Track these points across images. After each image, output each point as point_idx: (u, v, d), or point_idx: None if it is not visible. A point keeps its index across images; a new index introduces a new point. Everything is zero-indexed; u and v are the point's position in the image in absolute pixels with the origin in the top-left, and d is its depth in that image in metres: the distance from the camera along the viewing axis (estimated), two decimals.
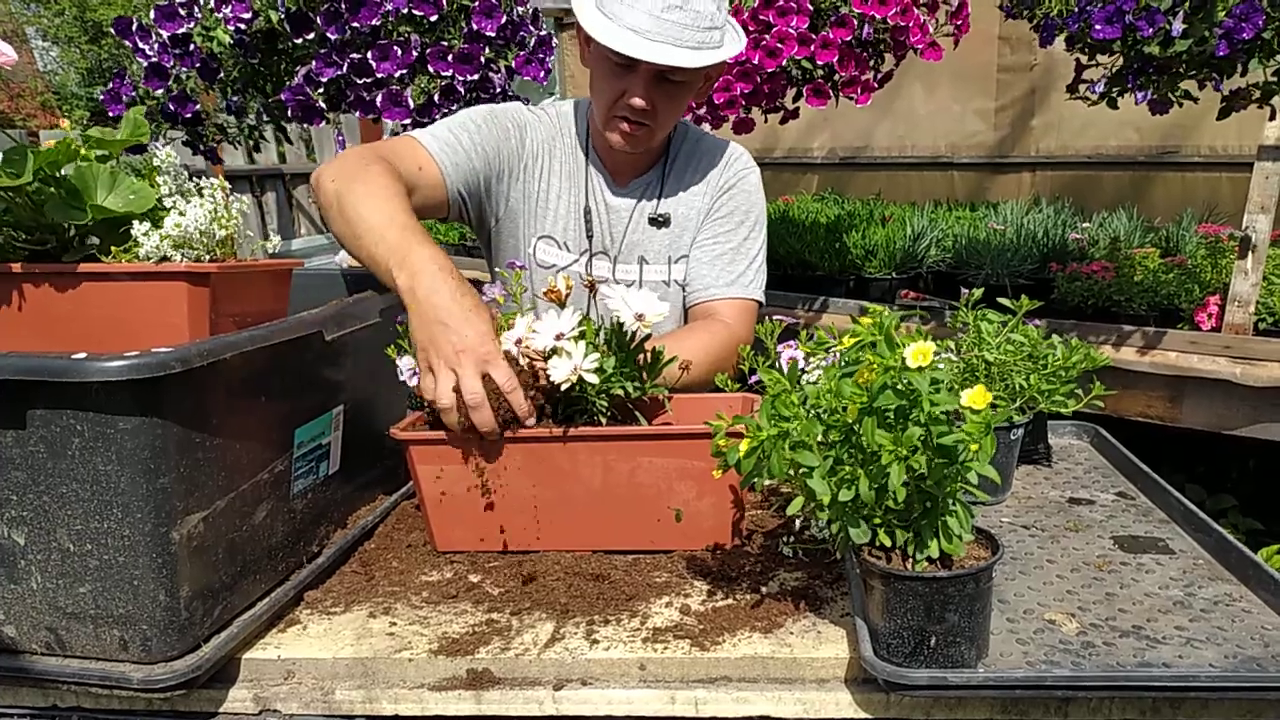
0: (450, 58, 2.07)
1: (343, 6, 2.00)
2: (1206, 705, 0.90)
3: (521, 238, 1.64)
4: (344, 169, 1.35)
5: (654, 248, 1.66)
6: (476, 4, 2.08)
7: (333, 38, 2.01)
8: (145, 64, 2.14)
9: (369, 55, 2.04)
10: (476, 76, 2.10)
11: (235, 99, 2.24)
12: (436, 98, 2.12)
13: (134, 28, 2.13)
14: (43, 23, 13.08)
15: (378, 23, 2.02)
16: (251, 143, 2.44)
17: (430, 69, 2.08)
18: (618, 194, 1.66)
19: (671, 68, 1.44)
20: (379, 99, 2.08)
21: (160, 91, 2.16)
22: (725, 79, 2.19)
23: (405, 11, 2.02)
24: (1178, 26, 1.73)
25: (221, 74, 2.17)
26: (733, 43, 1.51)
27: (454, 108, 2.15)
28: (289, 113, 2.15)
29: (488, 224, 1.65)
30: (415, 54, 2.05)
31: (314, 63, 2.06)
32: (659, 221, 1.64)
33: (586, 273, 1.64)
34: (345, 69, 2.05)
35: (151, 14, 2.11)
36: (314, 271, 1.61)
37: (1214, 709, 0.91)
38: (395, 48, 2.03)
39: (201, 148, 2.36)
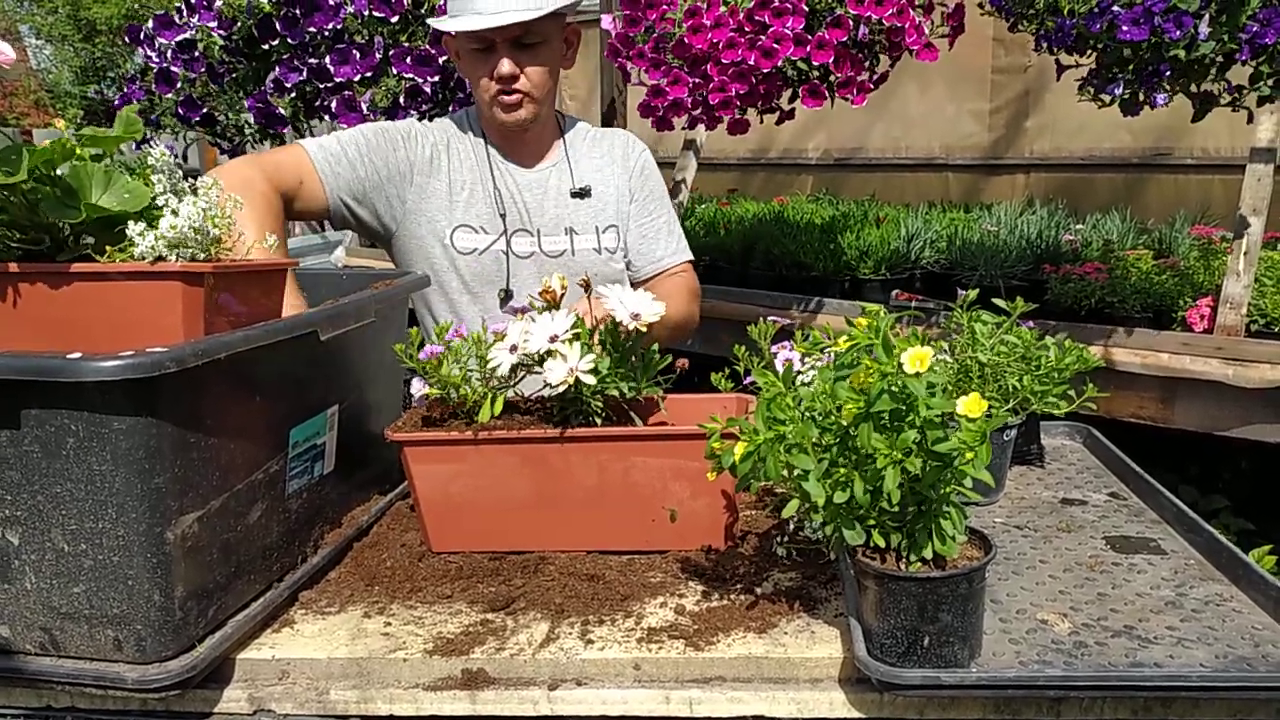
0: (409, 59, 2.08)
1: (298, 11, 2.00)
2: (1197, 704, 0.91)
3: (429, 236, 1.72)
4: (225, 179, 1.34)
5: (580, 218, 1.77)
6: (440, 4, 2.09)
7: (293, 42, 2.02)
8: (155, 69, 2.15)
9: (328, 60, 2.05)
10: (438, 78, 2.11)
11: (256, 99, 2.25)
12: (402, 99, 2.13)
13: (142, 35, 2.14)
14: (36, 21, 13.04)
15: (339, 26, 2.03)
16: (274, 142, 2.45)
17: (394, 71, 2.09)
18: (528, 174, 1.77)
19: (524, 30, 1.57)
20: (334, 104, 2.09)
21: (169, 96, 2.17)
22: (720, 79, 2.19)
23: (367, 14, 2.04)
24: (1204, 30, 1.73)
25: (229, 76, 2.18)
26: None
27: (424, 109, 2.16)
28: (252, 120, 2.17)
29: (388, 228, 1.73)
30: (379, 56, 2.06)
31: (277, 68, 2.07)
32: (581, 194, 1.76)
33: (506, 250, 1.73)
34: (305, 74, 2.06)
35: (151, 22, 2.12)
36: (309, 271, 1.61)
37: (1205, 708, 0.91)
38: (354, 51, 2.04)
39: (226, 147, 2.38)
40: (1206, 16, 1.70)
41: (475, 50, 1.62)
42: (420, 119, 2.20)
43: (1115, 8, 1.78)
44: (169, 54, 2.12)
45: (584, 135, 1.84)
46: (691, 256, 1.91)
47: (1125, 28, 1.78)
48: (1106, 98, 2.00)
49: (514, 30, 1.56)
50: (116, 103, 2.29)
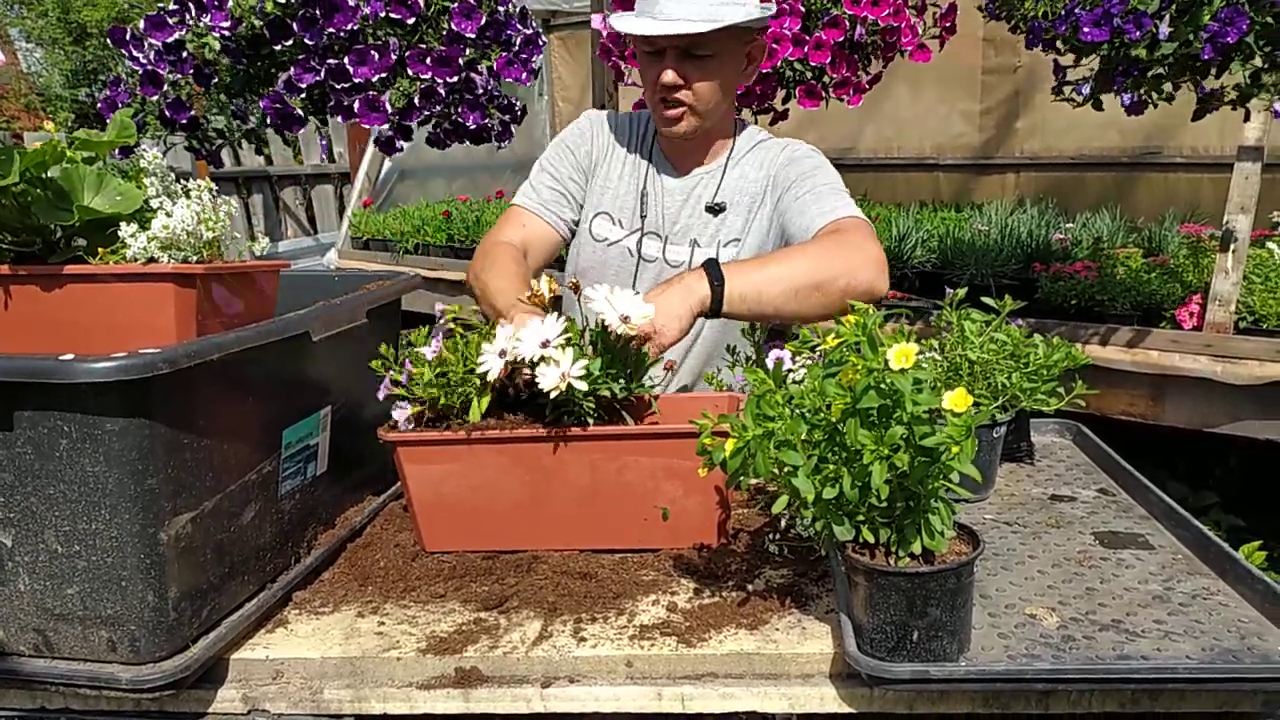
0: (429, 60, 2.08)
1: (318, 12, 2.00)
2: (1184, 696, 0.92)
3: (585, 215, 1.76)
4: (477, 257, 1.66)
5: (708, 232, 1.71)
6: (455, 5, 2.09)
7: (310, 43, 2.01)
8: (140, 71, 2.14)
9: (346, 60, 2.05)
10: (456, 79, 2.11)
11: (238, 103, 2.24)
12: (417, 100, 2.13)
13: (128, 36, 2.13)
14: (26, 24, 13.00)
15: (355, 27, 2.02)
16: (253, 146, 2.44)
17: (410, 72, 2.09)
18: (680, 180, 1.73)
19: (693, 41, 1.50)
20: (356, 104, 2.09)
21: (155, 98, 2.16)
22: None
23: (384, 15, 2.03)
24: (1164, 30, 1.75)
25: (216, 79, 2.17)
26: (751, 10, 1.52)
27: (437, 110, 2.17)
28: (267, 120, 2.16)
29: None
30: (394, 57, 2.06)
31: (293, 69, 2.06)
32: (715, 209, 1.70)
33: (635, 250, 1.72)
34: (323, 74, 2.06)
35: (142, 23, 2.11)
36: (301, 273, 1.62)
37: (1191, 700, 0.92)
38: (373, 52, 2.04)
39: (204, 151, 2.36)
40: (1166, 17, 1.72)
41: (647, 53, 1.58)
42: (428, 121, 2.21)
43: (1078, 10, 1.81)
44: (155, 55, 2.11)
45: (748, 146, 1.73)
46: (851, 213, 1.54)
47: (1087, 29, 1.80)
48: (1078, 98, 2.02)
49: (682, 40, 1.50)
50: (100, 105, 2.27)
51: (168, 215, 1.01)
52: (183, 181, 1.13)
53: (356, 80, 2.06)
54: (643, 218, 1.72)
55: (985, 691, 0.92)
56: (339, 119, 2.16)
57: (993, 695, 0.92)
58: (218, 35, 2.05)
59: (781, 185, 1.65)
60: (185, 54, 2.12)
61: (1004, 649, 0.94)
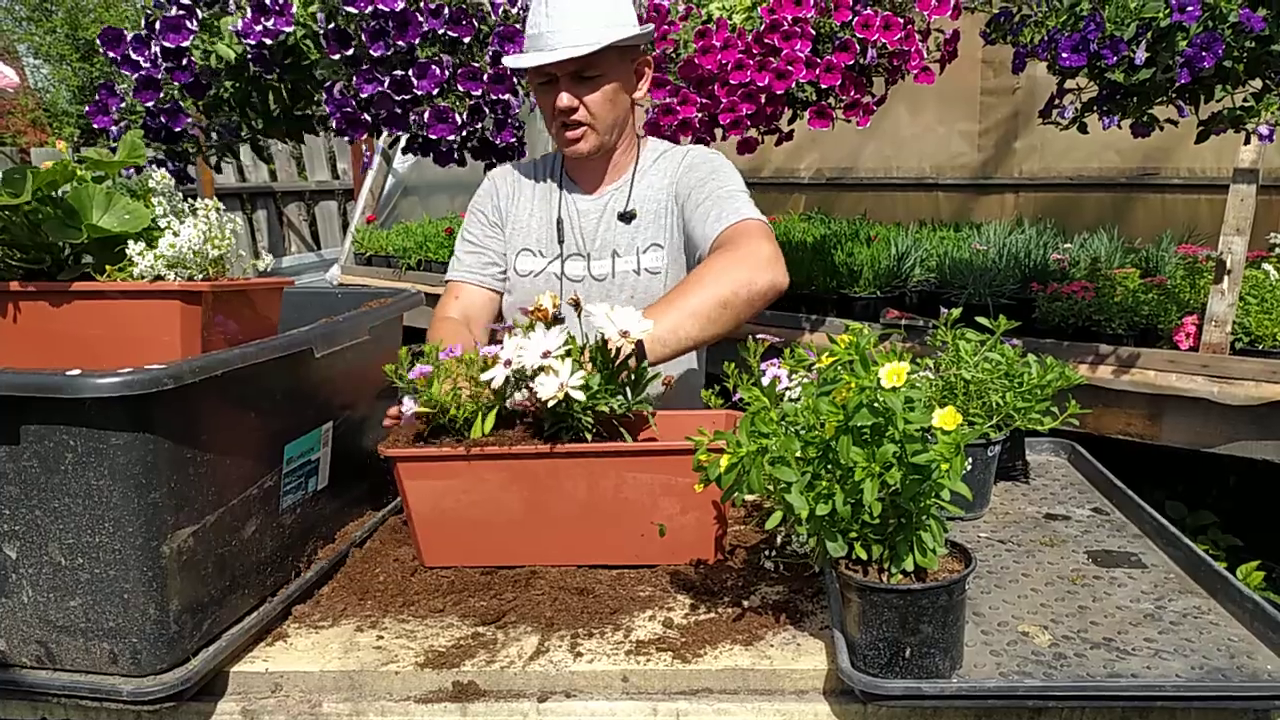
0: (484, 78, 2.13)
1: (390, 25, 2.04)
2: (1174, 715, 0.93)
3: (509, 261, 1.85)
4: (428, 337, 1.71)
5: (623, 241, 1.78)
6: (500, 29, 2.13)
7: (376, 54, 2.04)
8: (136, 77, 2.12)
9: (410, 72, 2.09)
10: (509, 96, 2.17)
11: (227, 118, 2.24)
12: (466, 116, 2.17)
13: (128, 38, 2.11)
14: (34, 40, 13.11)
15: (416, 42, 2.06)
16: (225, 160, 2.43)
17: (460, 88, 2.13)
18: (593, 201, 1.82)
19: (581, 64, 1.62)
20: (426, 115, 2.12)
21: (150, 104, 2.14)
22: (730, 100, 2.23)
23: (441, 33, 2.07)
24: (1141, 55, 1.78)
25: (212, 90, 2.16)
26: (630, 29, 1.65)
27: (478, 126, 2.21)
28: (334, 125, 2.16)
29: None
30: (448, 73, 2.10)
31: (354, 79, 2.09)
32: (626, 217, 1.78)
33: (560, 273, 1.80)
34: (386, 85, 2.09)
35: (143, 25, 2.09)
36: (304, 289, 1.63)
37: (1180, 717, 0.93)
38: (433, 66, 2.08)
39: (172, 167, 2.32)
40: (1143, 43, 1.76)
41: (542, 84, 1.69)
42: (471, 139, 2.25)
43: (1058, 36, 1.84)
44: (152, 59, 2.08)
45: (653, 158, 1.82)
46: (748, 216, 1.61)
47: (1065, 54, 1.84)
48: (1063, 120, 2.06)
49: (570, 65, 1.62)
50: (88, 109, 2.23)
51: (174, 234, 1.03)
52: (190, 200, 1.15)
53: (418, 92, 2.10)
54: (561, 242, 1.80)
55: (977, 708, 0.93)
56: (388, 130, 2.19)
57: (984, 712, 0.93)
58: (254, 41, 2.03)
59: (683, 194, 1.74)
60: (186, 60, 2.11)
61: (996, 666, 0.95)
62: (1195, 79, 1.75)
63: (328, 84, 2.12)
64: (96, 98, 2.22)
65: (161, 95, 2.15)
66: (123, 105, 2.19)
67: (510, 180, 1.88)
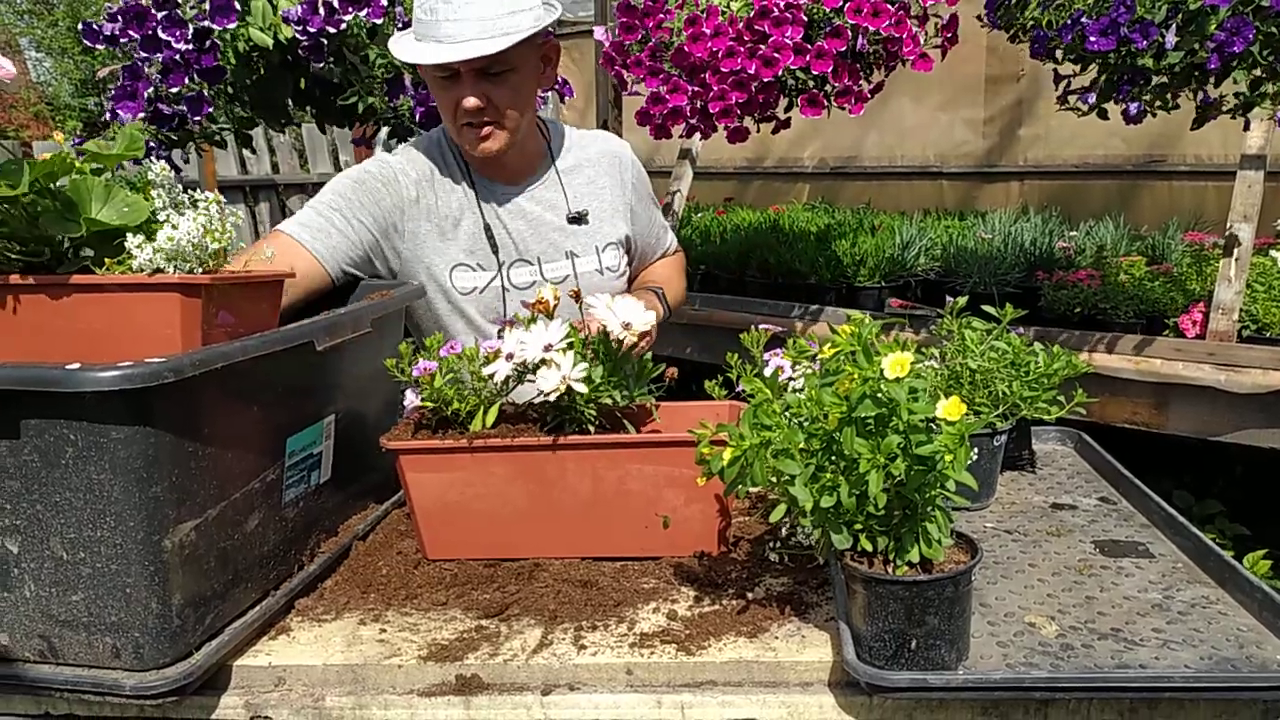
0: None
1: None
2: (1182, 706, 0.92)
3: (429, 281, 1.66)
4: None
5: (580, 242, 1.75)
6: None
7: None
8: (163, 59, 1.94)
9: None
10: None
11: (243, 106, 2.16)
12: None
13: (157, 16, 1.92)
14: (36, 34, 13.10)
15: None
16: (249, 150, 2.41)
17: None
18: (516, 199, 1.71)
19: (489, 60, 1.48)
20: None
21: (176, 90, 2.02)
22: (720, 89, 2.21)
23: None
24: (1171, 39, 1.76)
25: (228, 76, 2.07)
26: (539, 14, 1.53)
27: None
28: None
29: (395, 275, 1.67)
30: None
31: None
32: (578, 219, 1.74)
33: (508, 283, 1.70)
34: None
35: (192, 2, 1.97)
36: None
37: (1190, 709, 0.92)
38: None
39: (162, 155, 2.23)
40: (1174, 26, 1.73)
41: (440, 78, 1.54)
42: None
43: (1084, 19, 1.81)
44: (190, 40, 1.95)
45: (569, 146, 1.78)
46: (673, 241, 2.06)
47: (1093, 38, 1.81)
48: (1083, 106, 2.03)
49: (478, 61, 1.48)
50: (113, 92, 2.08)
51: (174, 227, 1.03)
52: (190, 193, 1.14)
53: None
54: (495, 251, 1.67)
55: (983, 700, 0.92)
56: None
57: (991, 704, 0.93)
58: (316, 29, 1.93)
59: (636, 205, 1.84)
60: (209, 43, 1.96)
61: (1003, 657, 0.95)
62: (1224, 64, 1.73)
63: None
64: (120, 82, 2.04)
65: (188, 81, 2.03)
66: (149, 91, 2.06)
67: (418, 180, 1.65)
